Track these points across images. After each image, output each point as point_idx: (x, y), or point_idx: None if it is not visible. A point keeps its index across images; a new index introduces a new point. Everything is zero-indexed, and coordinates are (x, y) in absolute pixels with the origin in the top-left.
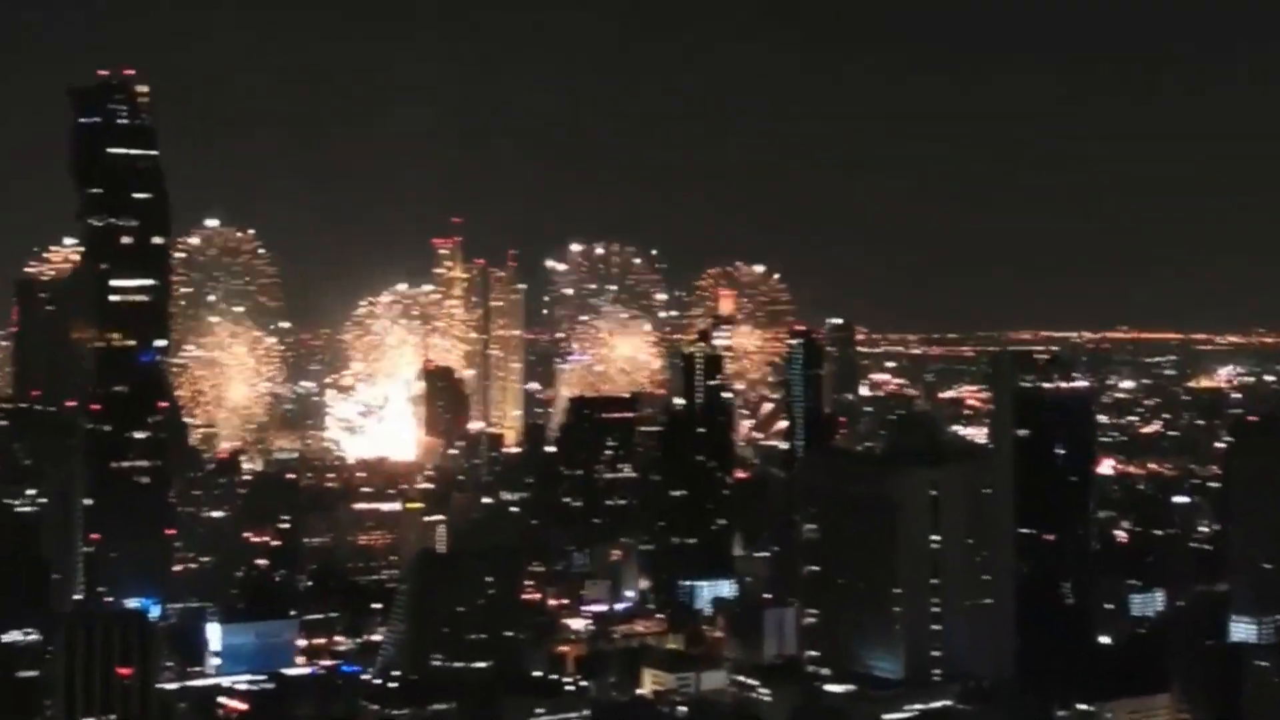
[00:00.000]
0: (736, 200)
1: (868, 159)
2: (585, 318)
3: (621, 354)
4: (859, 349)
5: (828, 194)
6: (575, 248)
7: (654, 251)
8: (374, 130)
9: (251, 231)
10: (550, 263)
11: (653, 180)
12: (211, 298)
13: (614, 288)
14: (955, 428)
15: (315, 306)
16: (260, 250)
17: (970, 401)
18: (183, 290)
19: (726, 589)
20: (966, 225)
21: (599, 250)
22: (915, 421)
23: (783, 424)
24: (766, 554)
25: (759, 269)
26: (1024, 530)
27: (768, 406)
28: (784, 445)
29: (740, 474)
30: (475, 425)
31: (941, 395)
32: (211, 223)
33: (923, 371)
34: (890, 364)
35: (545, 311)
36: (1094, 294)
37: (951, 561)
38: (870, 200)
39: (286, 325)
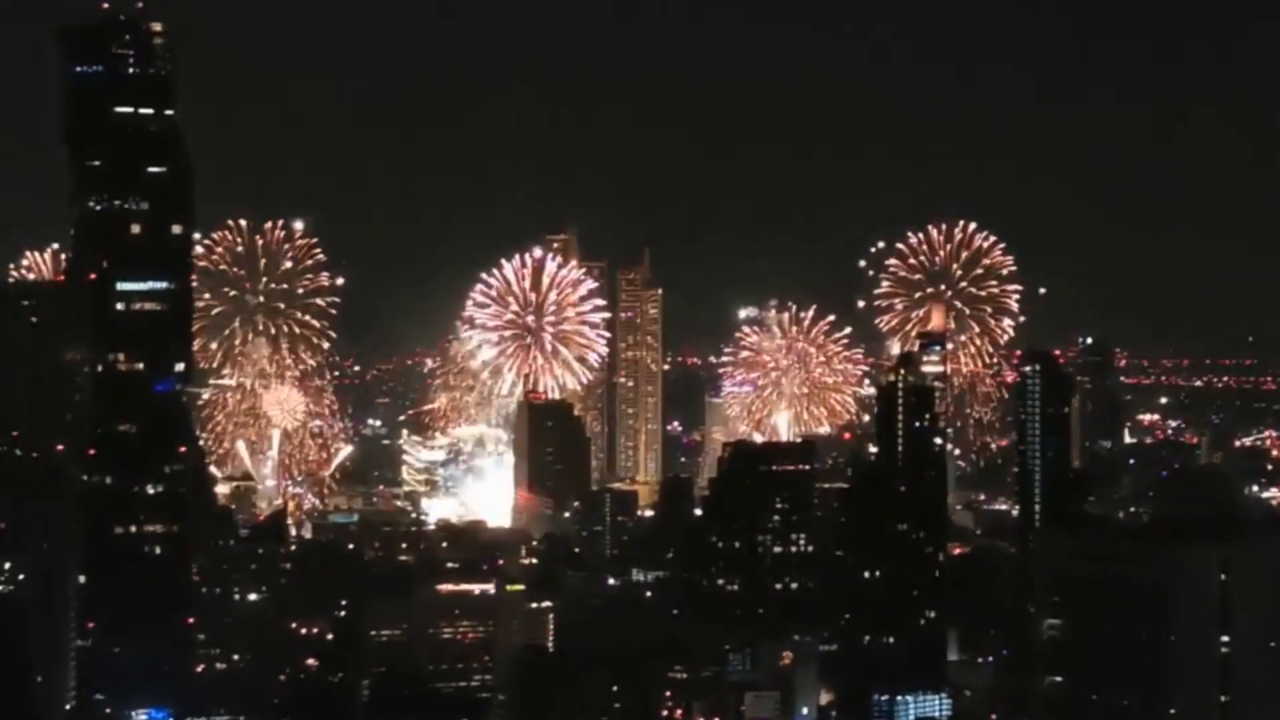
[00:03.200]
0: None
1: (1131, 126)
2: (747, 333)
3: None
4: (1120, 379)
5: (1070, 165)
6: None
7: None
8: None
9: (300, 226)
10: None
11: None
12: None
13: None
14: (1253, 488)
15: (387, 325)
16: (318, 253)
17: (1276, 452)
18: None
19: (938, 706)
20: (1264, 210)
21: None
22: (1198, 479)
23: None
24: (991, 659)
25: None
26: None
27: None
28: (1015, 510)
29: (956, 549)
30: (597, 479)
31: (1235, 443)
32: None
33: (1209, 410)
34: (1164, 400)
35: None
36: None
37: (1247, 670)
38: (1133, 178)
39: (348, 345)
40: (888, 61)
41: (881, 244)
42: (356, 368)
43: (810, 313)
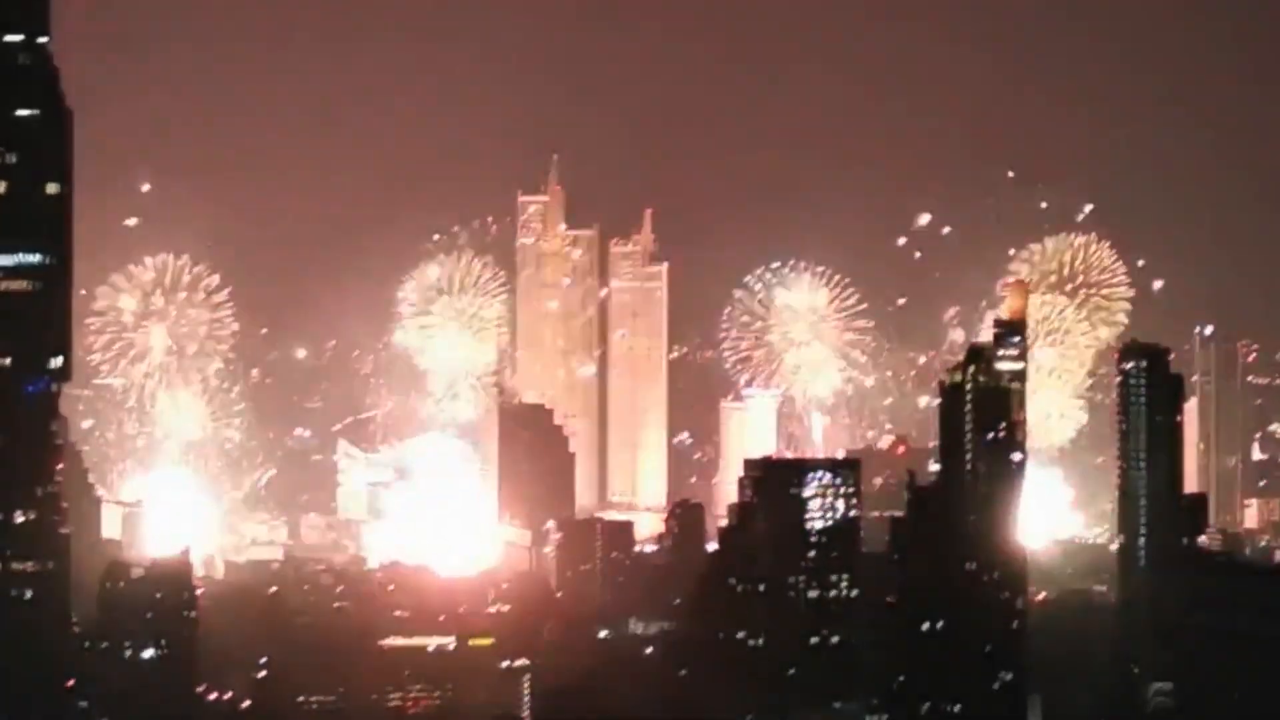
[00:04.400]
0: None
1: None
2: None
3: (828, 382)
4: (1249, 379)
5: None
6: None
7: None
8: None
9: None
10: None
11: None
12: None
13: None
14: None
15: (317, 307)
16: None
17: None
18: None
19: None
20: None
21: None
22: None
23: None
24: None
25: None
26: None
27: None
28: (1115, 545)
29: (1041, 594)
30: (584, 505)
31: None
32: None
33: None
34: None
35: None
36: None
37: None
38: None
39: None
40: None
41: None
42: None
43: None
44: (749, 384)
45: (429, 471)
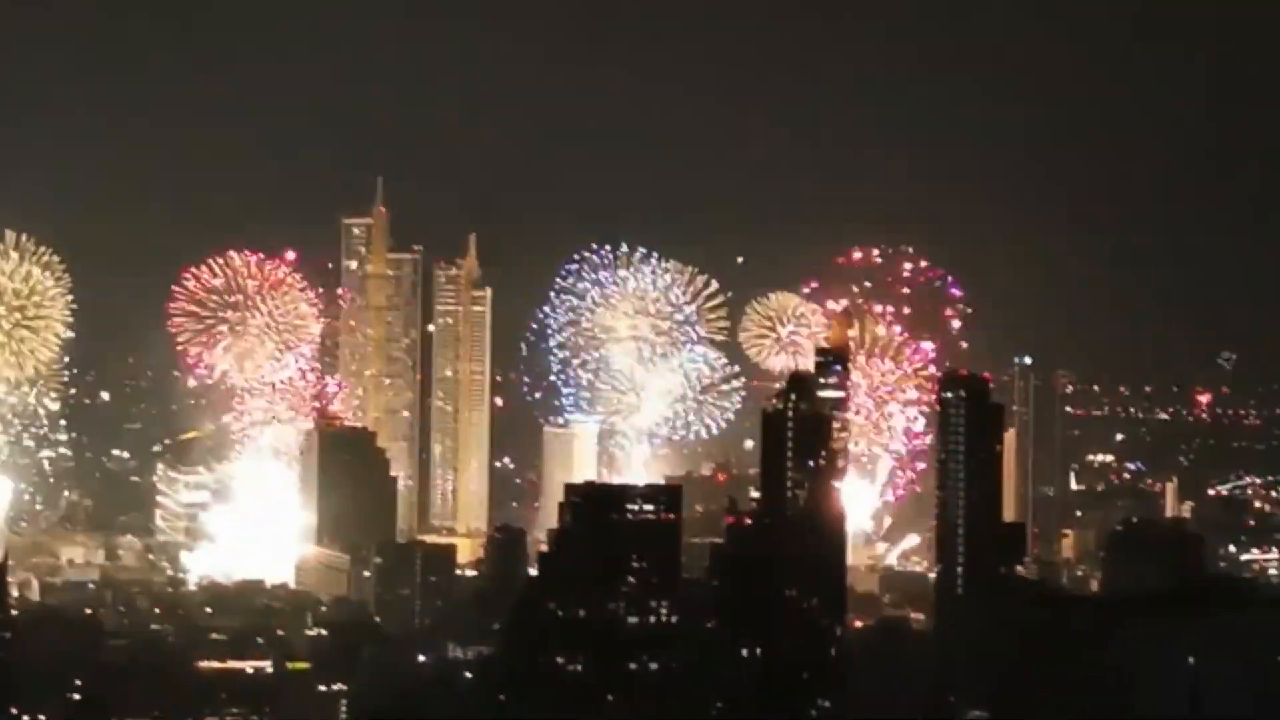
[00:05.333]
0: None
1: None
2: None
3: (654, 410)
4: (1067, 409)
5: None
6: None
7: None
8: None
9: None
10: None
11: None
12: None
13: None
14: (1229, 547)
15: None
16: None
17: (1258, 504)
18: None
19: None
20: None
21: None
22: (1161, 536)
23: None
24: None
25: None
26: None
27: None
28: (933, 573)
29: (859, 621)
30: (404, 529)
31: (1209, 491)
32: None
33: (1176, 449)
34: (1120, 436)
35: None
36: None
37: None
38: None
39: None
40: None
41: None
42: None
43: None
44: (572, 409)
45: (248, 494)
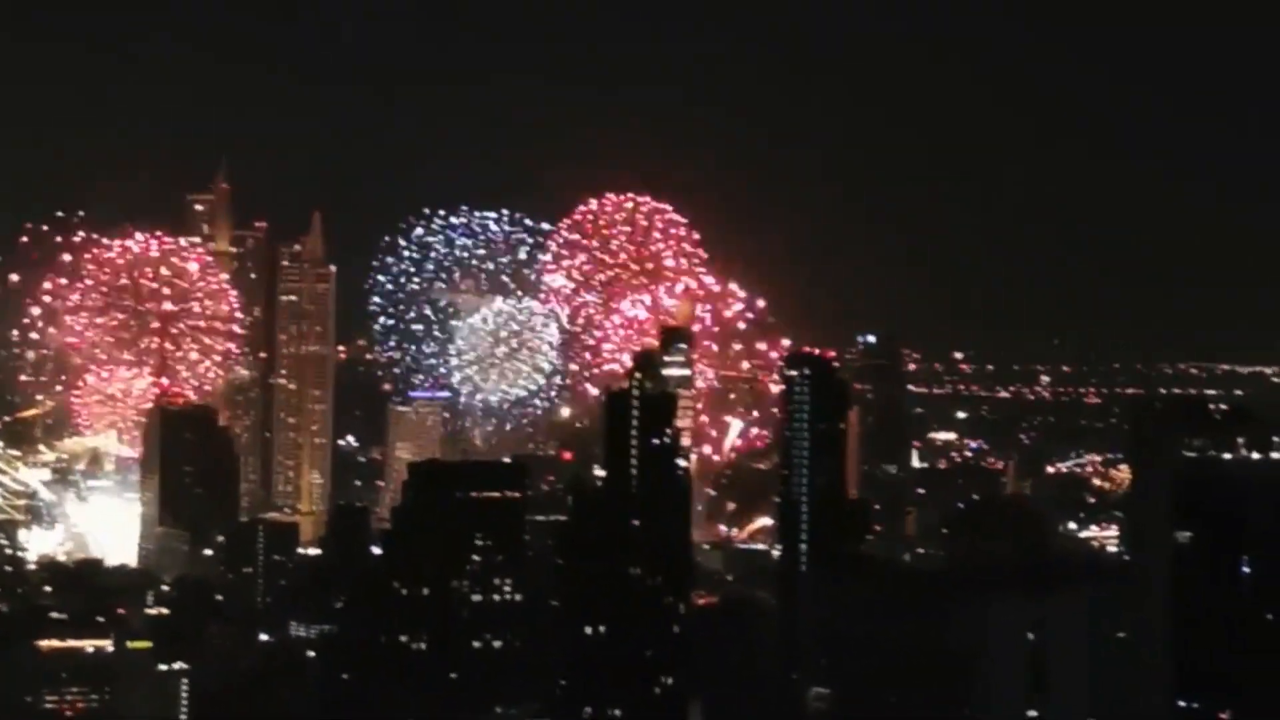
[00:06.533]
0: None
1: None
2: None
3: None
4: (909, 387)
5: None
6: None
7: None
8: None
9: None
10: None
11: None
12: None
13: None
14: (1070, 525)
15: None
16: None
17: (1097, 481)
18: None
19: None
20: (1090, 181)
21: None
22: (1003, 514)
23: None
24: None
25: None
26: (1188, 704)
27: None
28: (776, 551)
29: (702, 598)
30: (247, 507)
31: (1050, 469)
32: None
33: (1017, 428)
34: (962, 414)
35: (375, 313)
36: None
37: None
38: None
39: None
40: None
41: None
42: None
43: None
44: (416, 387)
45: (88, 472)
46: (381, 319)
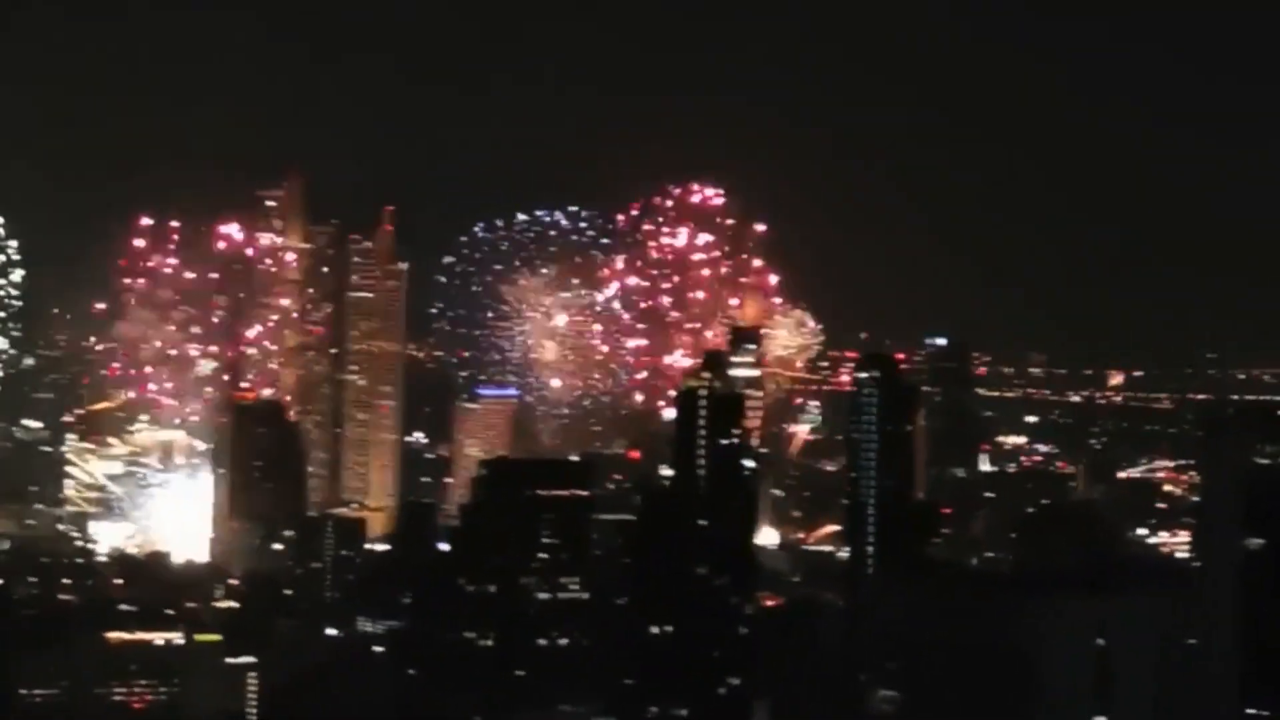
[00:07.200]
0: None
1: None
2: (513, 324)
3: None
4: (978, 391)
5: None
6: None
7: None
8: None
9: None
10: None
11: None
12: None
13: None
14: (1140, 531)
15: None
16: None
17: (1168, 487)
18: None
19: None
20: (1165, 185)
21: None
22: (1072, 518)
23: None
24: None
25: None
26: (1256, 711)
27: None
28: (843, 553)
29: (769, 600)
30: (317, 503)
31: (1120, 474)
32: None
33: (1087, 433)
34: (1032, 418)
35: (444, 310)
36: None
37: None
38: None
39: None
40: None
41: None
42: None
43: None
44: (485, 384)
45: (160, 465)
46: (450, 315)
